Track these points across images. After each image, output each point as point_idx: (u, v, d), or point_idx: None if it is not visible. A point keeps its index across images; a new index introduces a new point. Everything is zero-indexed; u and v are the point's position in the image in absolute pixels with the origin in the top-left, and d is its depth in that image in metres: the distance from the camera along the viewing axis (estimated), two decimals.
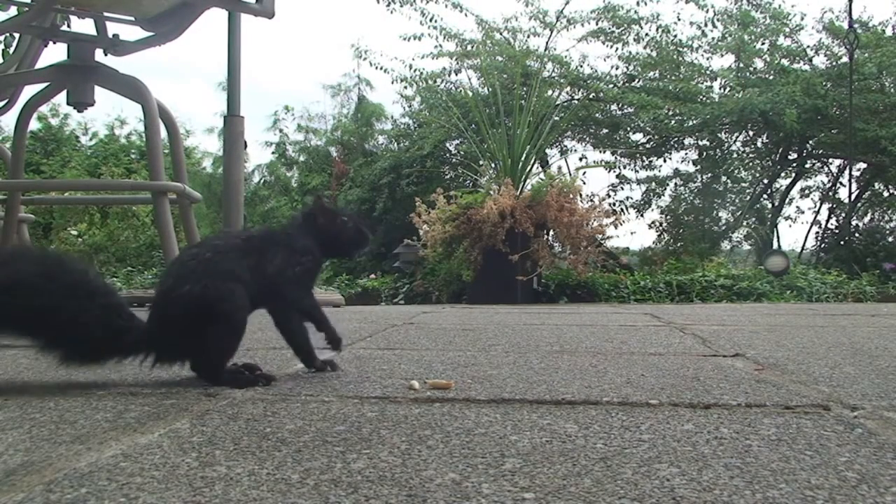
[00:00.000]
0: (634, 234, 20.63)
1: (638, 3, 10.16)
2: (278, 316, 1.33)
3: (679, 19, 10.54)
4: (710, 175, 11.06)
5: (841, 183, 10.84)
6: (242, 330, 1.23)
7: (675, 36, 10.48)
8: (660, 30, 10.33)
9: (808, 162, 11.37)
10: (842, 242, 8.73)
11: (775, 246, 10.42)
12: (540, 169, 7.86)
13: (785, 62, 10.37)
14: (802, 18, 10.43)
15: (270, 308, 1.31)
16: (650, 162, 11.27)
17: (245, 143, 3.70)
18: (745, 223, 11.62)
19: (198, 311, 1.16)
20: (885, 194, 11.14)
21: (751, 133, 10.88)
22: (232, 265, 1.21)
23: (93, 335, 1.15)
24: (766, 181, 11.28)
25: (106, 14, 2.99)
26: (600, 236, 5.44)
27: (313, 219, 1.37)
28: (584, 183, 7.90)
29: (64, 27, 3.21)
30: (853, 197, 9.71)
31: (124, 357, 1.20)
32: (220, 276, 1.19)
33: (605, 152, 11.29)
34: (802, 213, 11.84)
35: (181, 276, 1.19)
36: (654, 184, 11.30)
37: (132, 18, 3.02)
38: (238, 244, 1.26)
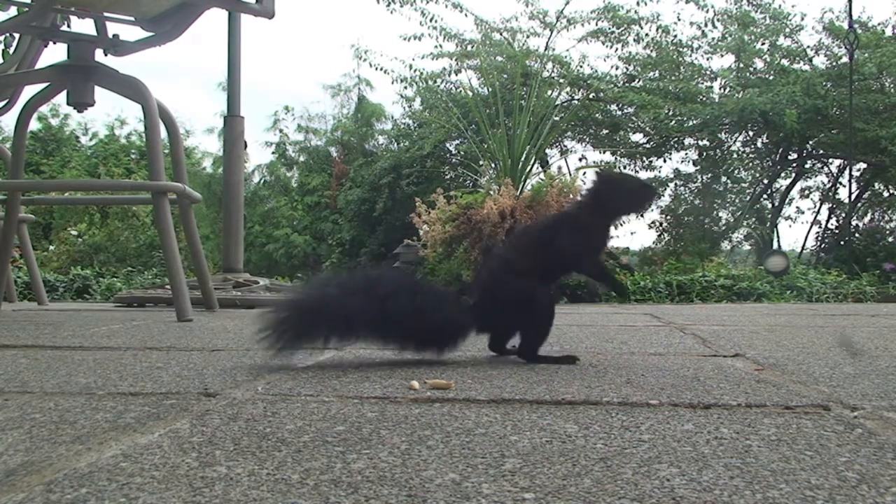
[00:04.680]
0: (634, 234, 20.66)
1: (638, 3, 10.16)
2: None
3: (679, 19, 10.56)
4: (710, 175, 11.07)
5: (841, 183, 10.84)
6: (553, 319, 1.54)
7: (675, 36, 10.49)
8: (660, 30, 10.34)
9: (808, 162, 11.37)
10: (842, 242, 8.72)
11: (775, 246, 10.42)
12: (540, 169, 7.85)
13: (785, 62, 10.37)
14: (802, 18, 10.45)
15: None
16: (650, 162, 11.28)
17: (245, 143, 3.71)
18: (745, 223, 11.62)
19: (521, 302, 1.48)
20: (885, 194, 11.14)
21: (751, 133, 10.88)
22: (526, 264, 1.50)
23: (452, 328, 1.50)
24: (766, 181, 11.27)
25: (106, 14, 2.99)
26: None
27: (597, 194, 1.56)
28: (585, 183, 7.91)
29: (64, 27, 3.21)
30: (853, 197, 9.70)
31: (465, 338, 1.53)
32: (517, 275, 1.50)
33: (605, 152, 11.31)
34: (802, 213, 11.85)
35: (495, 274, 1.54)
36: (654, 184, 11.30)
37: (132, 18, 3.03)
38: (533, 241, 1.55)
